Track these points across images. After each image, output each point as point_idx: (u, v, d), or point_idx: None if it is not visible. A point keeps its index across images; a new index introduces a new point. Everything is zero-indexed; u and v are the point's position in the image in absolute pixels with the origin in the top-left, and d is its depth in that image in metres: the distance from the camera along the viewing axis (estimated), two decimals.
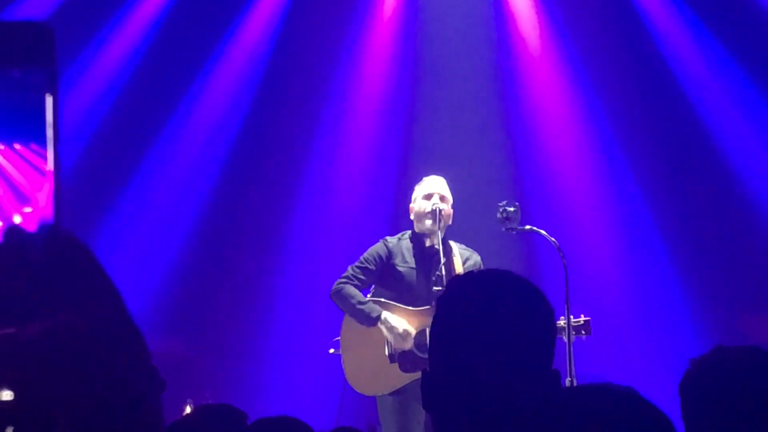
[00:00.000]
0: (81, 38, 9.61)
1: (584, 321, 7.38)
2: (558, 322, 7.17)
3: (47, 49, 1.65)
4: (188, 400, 7.92)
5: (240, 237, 9.89)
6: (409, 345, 7.32)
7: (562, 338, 7.10)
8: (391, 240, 7.64)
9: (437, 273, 7.31)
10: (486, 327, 2.19)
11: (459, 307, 2.25)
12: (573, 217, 9.61)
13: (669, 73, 9.71)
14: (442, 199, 7.52)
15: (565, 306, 7.15)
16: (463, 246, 7.63)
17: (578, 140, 9.85)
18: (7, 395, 1.36)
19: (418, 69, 9.98)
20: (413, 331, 7.33)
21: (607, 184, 9.77)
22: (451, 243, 7.57)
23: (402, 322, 7.33)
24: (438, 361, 2.25)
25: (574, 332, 7.31)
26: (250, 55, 10.01)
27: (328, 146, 9.96)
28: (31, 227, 1.54)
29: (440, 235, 7.41)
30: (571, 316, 7.30)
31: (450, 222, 7.56)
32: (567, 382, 6.82)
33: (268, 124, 9.96)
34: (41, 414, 1.38)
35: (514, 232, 7.44)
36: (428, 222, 7.45)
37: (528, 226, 7.37)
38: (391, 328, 7.32)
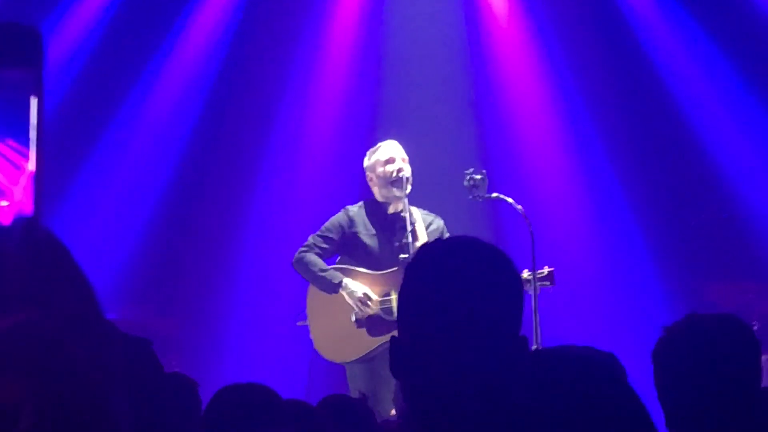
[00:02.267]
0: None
1: (548, 272, 7.43)
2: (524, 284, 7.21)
3: (34, 51, 1.65)
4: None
5: (204, 208, 9.85)
6: (372, 310, 7.33)
7: (529, 301, 7.14)
8: (352, 208, 7.63)
9: (404, 240, 7.30)
10: (454, 293, 2.18)
11: (427, 273, 2.23)
12: (540, 186, 9.62)
13: (635, 41, 9.72)
14: (404, 161, 7.51)
15: (533, 274, 7.19)
16: (426, 211, 7.63)
17: (546, 108, 9.86)
18: None
19: (384, 37, 9.94)
20: (375, 296, 7.33)
21: (575, 153, 9.78)
22: (413, 208, 7.55)
23: (362, 287, 7.35)
24: (406, 327, 2.24)
25: (538, 283, 7.35)
26: (213, 33, 9.95)
27: (291, 117, 9.91)
28: (6, 221, 1.54)
29: (406, 201, 7.41)
30: (536, 270, 7.35)
31: (410, 176, 7.54)
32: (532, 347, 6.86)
33: (231, 97, 9.91)
34: (7, 407, 1.36)
35: (481, 200, 7.45)
36: (396, 190, 7.44)
37: (495, 194, 7.37)
38: (351, 293, 7.33)
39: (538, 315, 7.03)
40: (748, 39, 9.40)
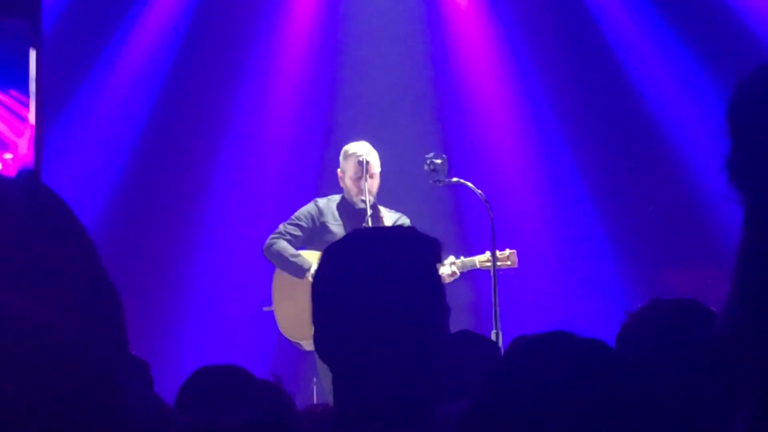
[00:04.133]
0: None
1: (509, 253, 7.51)
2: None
3: (32, 2, 1.64)
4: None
5: (166, 194, 9.78)
6: None
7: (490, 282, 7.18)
8: (321, 200, 7.79)
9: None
10: (369, 279, 2.22)
11: (340, 256, 2.29)
12: (500, 170, 9.65)
13: (596, 27, 9.76)
14: (371, 176, 7.59)
15: (492, 257, 7.23)
16: (393, 210, 7.71)
17: (506, 94, 9.88)
18: None
19: (342, 23, 9.91)
20: None
21: (534, 138, 9.81)
22: (380, 207, 7.65)
23: None
24: (324, 314, 2.27)
25: (499, 263, 7.41)
26: (168, 24, 9.90)
27: (251, 106, 9.86)
28: (10, 173, 1.50)
29: (369, 201, 7.49)
30: (497, 250, 7.40)
31: (376, 190, 7.63)
32: (492, 335, 6.88)
33: (189, 84, 9.83)
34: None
35: (441, 185, 7.47)
36: (360, 203, 7.52)
37: (455, 179, 7.41)
38: None
39: (497, 297, 7.07)
40: (709, 29, 9.45)
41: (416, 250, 2.28)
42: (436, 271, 2.30)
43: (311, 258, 7.56)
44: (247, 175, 9.75)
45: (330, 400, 6.99)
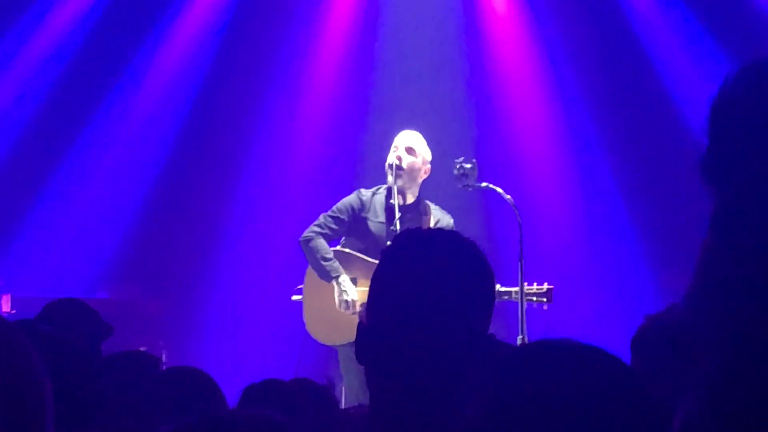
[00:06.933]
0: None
1: (547, 289, 7.42)
2: (528, 288, 7.25)
3: None
4: (141, 349, 7.92)
5: (205, 182, 9.88)
6: (350, 313, 7.36)
7: (518, 302, 7.13)
8: (365, 193, 7.65)
9: (392, 228, 7.34)
10: (425, 285, 2.21)
11: (401, 262, 2.26)
12: (532, 177, 9.64)
13: (633, 33, 9.72)
14: (408, 151, 7.54)
15: (519, 264, 7.19)
16: (438, 207, 7.67)
17: (540, 99, 9.86)
18: None
19: (381, 23, 9.95)
20: (359, 304, 7.34)
21: (568, 144, 9.78)
22: (428, 203, 7.60)
23: (354, 292, 7.39)
24: (374, 314, 2.27)
25: (536, 298, 7.36)
26: (208, 19, 10.00)
27: (298, 97, 9.94)
28: None
29: (415, 191, 7.49)
30: (535, 283, 7.36)
31: (420, 177, 7.58)
32: (518, 340, 6.87)
33: (226, 77, 9.94)
34: None
35: (470, 189, 7.45)
36: (389, 177, 7.51)
37: (484, 183, 7.39)
38: (342, 293, 7.39)
39: (524, 303, 7.06)
40: (746, 34, 9.38)
41: (476, 260, 2.28)
42: (493, 284, 2.30)
43: (345, 260, 7.51)
44: (279, 166, 9.84)
45: (352, 400, 7.00)
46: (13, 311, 7.97)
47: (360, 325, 2.29)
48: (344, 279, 7.40)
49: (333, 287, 7.43)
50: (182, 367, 3.44)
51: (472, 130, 9.72)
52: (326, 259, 7.47)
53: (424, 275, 2.22)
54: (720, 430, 1.06)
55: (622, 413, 1.60)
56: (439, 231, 2.39)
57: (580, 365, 1.69)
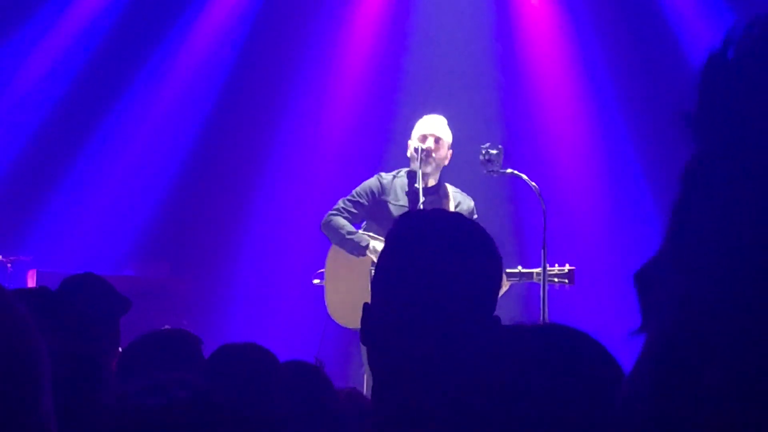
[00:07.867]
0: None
1: (569, 270, 7.42)
2: (550, 269, 7.25)
3: None
4: (165, 327, 7.98)
5: (229, 165, 9.95)
6: None
7: (539, 283, 7.15)
8: (386, 176, 7.65)
9: None
10: (427, 266, 2.20)
11: (404, 243, 2.26)
12: (557, 164, 9.63)
13: (665, 22, 9.69)
14: (437, 141, 7.55)
15: (542, 251, 7.19)
16: (459, 190, 7.66)
17: (569, 86, 9.85)
18: None
19: (413, 8, 9.97)
20: None
21: (596, 133, 9.76)
22: (447, 186, 7.60)
23: None
24: (378, 295, 2.26)
25: (557, 279, 7.37)
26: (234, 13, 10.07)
27: (323, 82, 9.98)
28: None
29: (437, 176, 7.49)
30: (556, 264, 7.37)
31: (444, 163, 7.60)
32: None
33: (255, 66, 10.00)
34: None
35: (496, 175, 7.45)
36: (413, 163, 7.52)
37: (509, 170, 7.38)
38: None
39: (546, 291, 7.06)
40: None
41: (481, 242, 2.26)
42: (500, 266, 2.29)
43: (368, 237, 7.51)
44: (306, 149, 9.89)
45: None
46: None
47: (365, 305, 2.29)
48: (375, 244, 7.39)
49: (355, 268, 7.42)
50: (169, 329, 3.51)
51: (500, 117, 9.72)
52: (351, 233, 7.47)
53: (426, 256, 2.21)
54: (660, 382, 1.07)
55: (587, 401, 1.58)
56: (443, 212, 2.38)
57: (554, 348, 1.68)
